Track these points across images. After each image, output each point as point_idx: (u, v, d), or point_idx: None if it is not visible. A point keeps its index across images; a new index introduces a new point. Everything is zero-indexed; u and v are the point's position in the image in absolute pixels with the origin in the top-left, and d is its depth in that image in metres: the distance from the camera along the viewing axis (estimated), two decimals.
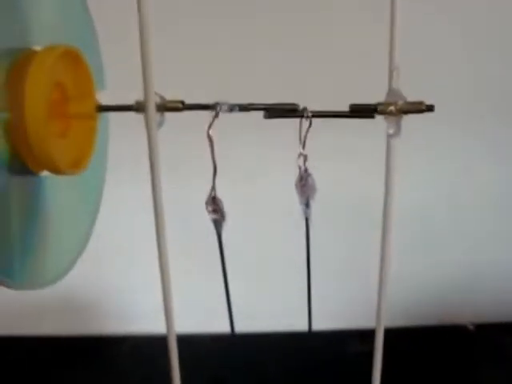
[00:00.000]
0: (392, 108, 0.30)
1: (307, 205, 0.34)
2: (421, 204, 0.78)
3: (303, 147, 0.32)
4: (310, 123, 0.31)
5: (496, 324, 0.89)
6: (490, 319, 0.89)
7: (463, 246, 0.88)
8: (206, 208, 0.33)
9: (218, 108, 0.31)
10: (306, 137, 0.31)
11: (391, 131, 0.31)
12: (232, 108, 0.31)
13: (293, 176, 0.34)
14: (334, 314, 0.83)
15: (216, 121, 0.32)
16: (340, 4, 0.75)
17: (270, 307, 0.87)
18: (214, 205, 0.33)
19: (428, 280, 0.88)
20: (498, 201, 0.86)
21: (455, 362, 0.83)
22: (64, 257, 0.39)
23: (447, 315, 0.90)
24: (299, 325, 0.82)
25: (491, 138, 0.82)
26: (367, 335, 0.82)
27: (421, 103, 0.30)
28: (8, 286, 0.32)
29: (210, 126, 0.31)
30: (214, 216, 0.33)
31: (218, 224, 0.33)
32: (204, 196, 0.34)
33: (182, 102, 0.32)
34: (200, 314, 0.84)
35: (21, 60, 0.32)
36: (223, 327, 0.79)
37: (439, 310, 0.89)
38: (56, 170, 0.34)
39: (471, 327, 0.90)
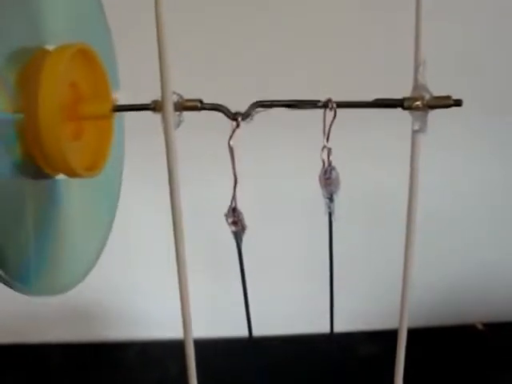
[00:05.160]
0: (418, 103, 0.29)
1: (331, 199, 0.33)
2: (430, 204, 0.77)
3: (327, 140, 0.31)
4: (335, 114, 0.30)
5: (506, 323, 0.88)
6: (499, 319, 0.89)
7: (473, 245, 0.87)
8: (226, 220, 0.32)
9: (240, 118, 0.30)
10: (330, 129, 0.31)
11: (417, 127, 0.30)
12: (252, 115, 0.30)
13: (316, 170, 0.33)
14: (347, 315, 0.82)
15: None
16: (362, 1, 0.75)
17: (285, 309, 0.86)
18: (234, 217, 0.32)
19: (437, 280, 0.88)
20: (510, 200, 0.85)
21: (465, 362, 0.83)
22: (80, 262, 0.38)
23: (456, 315, 0.89)
24: (311, 327, 0.82)
25: (504, 137, 0.82)
26: (379, 336, 0.82)
27: (448, 98, 0.29)
28: (23, 293, 0.31)
29: (230, 137, 0.30)
30: (234, 228, 0.32)
31: (238, 236, 0.32)
32: (222, 198, 0.33)
33: (201, 101, 0.31)
34: (213, 318, 0.84)
35: (34, 60, 0.31)
36: (235, 331, 0.78)
37: (448, 310, 0.89)
38: (71, 173, 0.33)
39: (481, 327, 0.90)
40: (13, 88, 0.30)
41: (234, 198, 0.32)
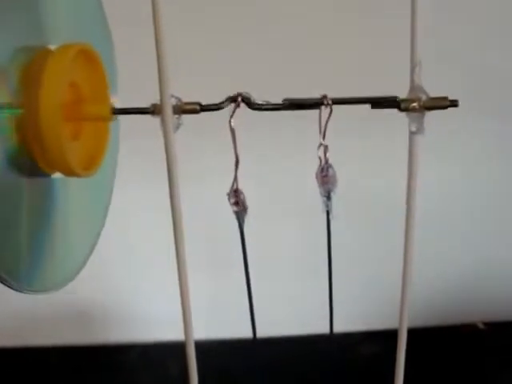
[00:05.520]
0: (415, 104, 0.29)
1: (328, 197, 0.33)
2: (430, 203, 0.77)
3: (323, 137, 0.31)
4: (331, 111, 0.30)
5: (507, 322, 0.88)
6: (500, 318, 0.89)
7: (473, 244, 0.87)
8: (228, 200, 0.32)
9: (239, 98, 0.30)
10: (326, 126, 0.31)
11: (414, 128, 0.30)
12: (251, 100, 0.30)
13: (312, 169, 0.33)
14: (347, 315, 0.82)
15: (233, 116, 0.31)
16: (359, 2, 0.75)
17: (284, 309, 0.86)
18: (236, 197, 0.32)
19: (437, 279, 0.88)
20: (510, 199, 0.85)
21: (466, 361, 0.83)
22: (74, 259, 0.38)
23: (458, 314, 0.89)
24: (312, 327, 0.82)
25: (503, 136, 0.82)
26: (378, 336, 0.82)
27: (445, 99, 0.29)
28: (18, 290, 0.31)
29: (231, 116, 0.30)
30: (236, 208, 0.32)
31: (240, 217, 0.33)
32: (220, 195, 0.34)
33: (200, 104, 0.31)
34: (213, 319, 0.84)
35: (36, 59, 0.32)
36: (239, 333, 0.78)
37: (450, 309, 0.89)
38: (69, 172, 0.33)
39: (482, 326, 0.90)
40: (15, 86, 0.30)
41: (235, 178, 0.32)
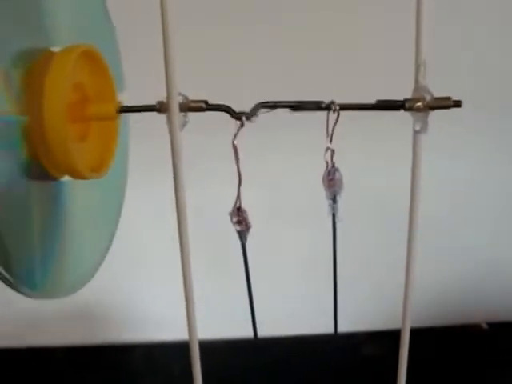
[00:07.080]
0: (419, 104, 0.30)
1: (334, 200, 0.34)
2: (434, 203, 0.77)
3: (330, 141, 0.31)
4: (338, 116, 0.30)
5: (511, 323, 0.88)
6: (504, 318, 0.89)
7: (477, 244, 0.87)
8: (231, 219, 0.32)
9: (244, 118, 0.30)
10: (333, 130, 0.31)
11: (418, 127, 0.30)
12: (256, 115, 0.30)
13: (318, 171, 0.33)
14: (350, 315, 0.82)
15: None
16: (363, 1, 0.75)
17: (287, 310, 0.87)
18: (239, 216, 0.32)
19: (441, 279, 0.88)
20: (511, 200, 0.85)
21: (469, 362, 0.82)
22: (86, 264, 0.38)
23: (461, 314, 0.89)
24: (314, 328, 0.82)
25: (506, 136, 0.82)
26: (381, 336, 0.82)
27: (448, 99, 0.30)
28: (29, 296, 0.31)
29: (235, 136, 0.30)
30: (239, 227, 0.32)
31: (242, 235, 0.33)
32: (225, 199, 0.33)
33: (206, 102, 0.31)
34: (218, 320, 0.84)
35: (39, 62, 0.32)
36: (240, 333, 0.78)
37: (453, 310, 0.89)
38: (77, 175, 0.33)
39: (485, 326, 0.90)
40: (19, 90, 0.30)
41: (238, 197, 0.32)
